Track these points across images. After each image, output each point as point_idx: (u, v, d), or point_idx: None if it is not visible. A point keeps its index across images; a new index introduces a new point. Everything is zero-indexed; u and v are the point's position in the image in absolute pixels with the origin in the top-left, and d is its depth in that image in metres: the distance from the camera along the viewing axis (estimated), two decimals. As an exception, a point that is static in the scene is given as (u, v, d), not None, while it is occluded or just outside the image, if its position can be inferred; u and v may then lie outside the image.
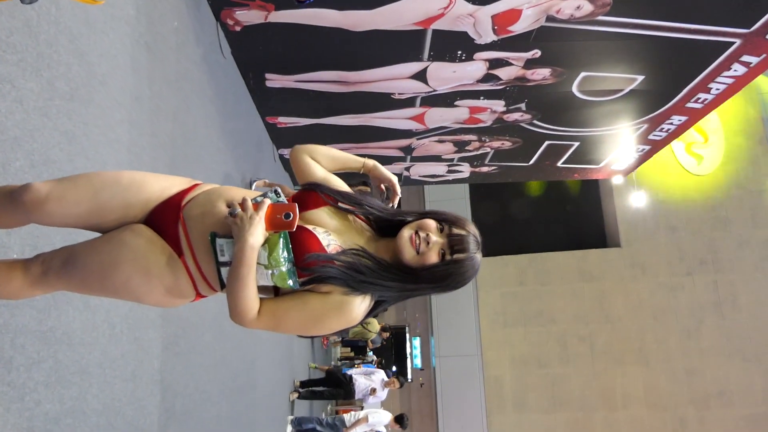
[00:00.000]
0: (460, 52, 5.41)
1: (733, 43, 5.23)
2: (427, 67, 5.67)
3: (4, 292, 1.44)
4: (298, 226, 1.33)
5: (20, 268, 1.44)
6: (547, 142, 7.66)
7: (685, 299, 13.49)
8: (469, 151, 7.92)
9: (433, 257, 1.37)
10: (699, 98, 6.34)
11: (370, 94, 6.13)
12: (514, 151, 7.93)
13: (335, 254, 1.35)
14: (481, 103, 6.46)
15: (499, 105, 6.52)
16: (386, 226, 1.47)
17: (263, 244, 1.30)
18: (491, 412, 13.76)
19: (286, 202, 1.37)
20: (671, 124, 7.10)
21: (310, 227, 1.37)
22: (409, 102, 6.40)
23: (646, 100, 6.51)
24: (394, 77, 5.83)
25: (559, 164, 8.50)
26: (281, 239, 1.30)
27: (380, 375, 8.21)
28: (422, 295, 1.48)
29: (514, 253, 14.48)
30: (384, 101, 6.31)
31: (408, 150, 7.79)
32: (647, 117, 6.92)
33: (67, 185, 1.41)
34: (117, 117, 2.84)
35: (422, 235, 1.37)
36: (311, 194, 1.45)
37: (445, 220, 1.41)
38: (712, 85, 6.02)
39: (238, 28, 4.94)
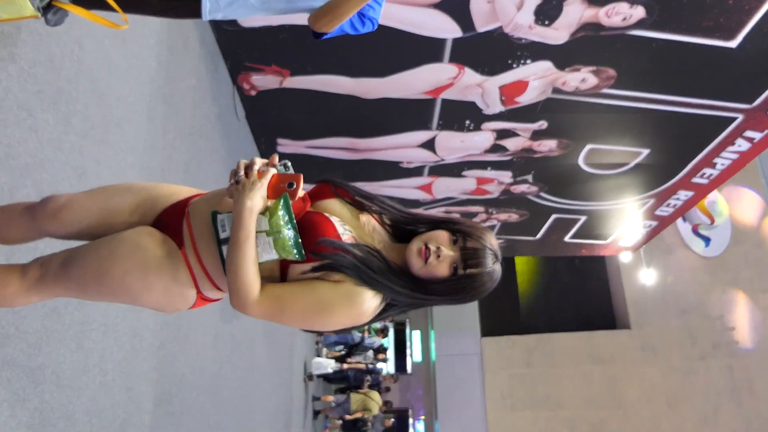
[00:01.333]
0: (468, 122, 5.54)
1: (736, 118, 5.34)
2: (435, 137, 5.78)
3: (-3, 297, 1.38)
4: (314, 211, 1.28)
5: (17, 271, 1.39)
6: (554, 216, 7.66)
7: (700, 384, 12.99)
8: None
9: (444, 270, 1.30)
10: (704, 173, 6.39)
11: (380, 163, 6.22)
12: (521, 224, 7.92)
13: (349, 244, 1.28)
14: (489, 174, 6.53)
15: (506, 176, 6.59)
16: (400, 232, 1.41)
17: (264, 212, 1.24)
18: (499, 504, 12.91)
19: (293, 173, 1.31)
20: (678, 199, 7.12)
21: (326, 214, 1.33)
22: (417, 171, 6.48)
23: (652, 175, 6.56)
24: (403, 146, 5.94)
25: (566, 239, 8.45)
26: (281, 202, 1.23)
27: None
28: (436, 305, 1.40)
29: (520, 333, 14.15)
30: (393, 170, 6.39)
31: (415, 220, 7.80)
32: (653, 192, 6.95)
33: (82, 194, 1.48)
34: (129, 160, 2.86)
35: (432, 248, 1.30)
36: (326, 187, 1.42)
37: (459, 231, 1.33)
38: (717, 160, 6.08)
39: (253, 93, 5.09)
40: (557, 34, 4.40)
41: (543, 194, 7.03)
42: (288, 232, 1.23)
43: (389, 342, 14.85)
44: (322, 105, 5.22)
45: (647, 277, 11.64)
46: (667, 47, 4.46)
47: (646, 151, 6.06)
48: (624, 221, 7.85)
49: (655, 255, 11.92)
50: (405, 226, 1.41)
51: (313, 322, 1.28)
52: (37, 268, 1.39)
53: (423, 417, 15.65)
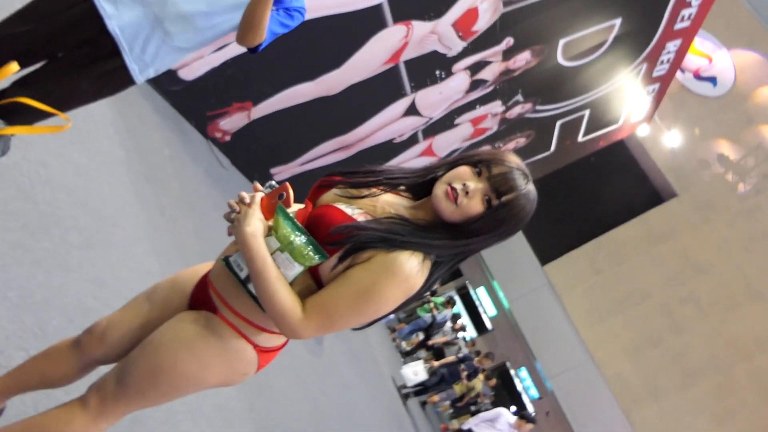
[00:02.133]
0: (438, 72, 5.41)
1: (692, -53, 5.11)
2: (414, 100, 5.66)
3: (67, 439, 1.34)
4: (321, 206, 1.24)
5: (77, 405, 1.35)
6: (558, 123, 7.49)
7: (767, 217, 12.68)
8: (489, 161, 7.79)
9: (477, 206, 1.20)
10: (683, 15, 6.15)
11: (374, 148, 6.13)
12: (532, 144, 7.77)
13: (364, 221, 1.20)
14: (479, 111, 6.40)
15: (496, 106, 6.44)
16: (419, 190, 1.32)
17: (269, 234, 1.19)
18: (629, 412, 12.83)
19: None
20: (669, 53, 6.87)
21: (330, 204, 1.26)
22: (412, 140, 6.37)
23: (634, 41, 6.34)
24: (387, 122, 5.84)
25: (579, 139, 8.27)
26: (279, 213, 1.18)
27: (504, 418, 7.65)
28: (482, 249, 1.30)
29: (577, 246, 14.00)
30: (389, 149, 6.29)
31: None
32: (642, 56, 6.73)
33: (116, 312, 1.46)
34: (140, 251, 2.82)
35: (458, 186, 1.20)
36: (323, 182, 1.36)
37: (480, 162, 1.23)
38: (689, -4, 5.85)
39: (227, 138, 5.04)
40: (482, -53, 4.24)
41: (539, 107, 6.87)
42: (299, 239, 1.18)
43: (460, 309, 14.81)
44: (296, 119, 5.15)
45: (672, 139, 11.36)
46: None
47: (618, 21, 5.85)
48: (626, 97, 7.63)
49: (671, 116, 11.62)
50: (422, 180, 1.32)
51: (365, 312, 1.19)
52: (95, 394, 1.34)
53: (522, 362, 15.60)
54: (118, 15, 1.66)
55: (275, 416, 3.53)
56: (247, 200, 1.22)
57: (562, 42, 5.80)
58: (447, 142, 6.76)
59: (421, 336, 11.15)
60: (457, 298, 15.48)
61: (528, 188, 1.23)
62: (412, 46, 4.89)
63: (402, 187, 1.34)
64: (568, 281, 13.99)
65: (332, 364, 5.51)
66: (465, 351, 13.19)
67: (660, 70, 7.22)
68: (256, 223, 1.18)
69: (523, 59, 5.76)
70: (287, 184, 1.23)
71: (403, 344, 11.32)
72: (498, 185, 1.20)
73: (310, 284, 1.24)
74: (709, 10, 6.22)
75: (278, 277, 1.17)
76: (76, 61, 1.71)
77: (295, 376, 4.24)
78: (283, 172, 5.89)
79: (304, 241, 1.17)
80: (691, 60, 12.63)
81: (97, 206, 2.63)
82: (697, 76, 13.27)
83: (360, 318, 1.20)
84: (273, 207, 1.21)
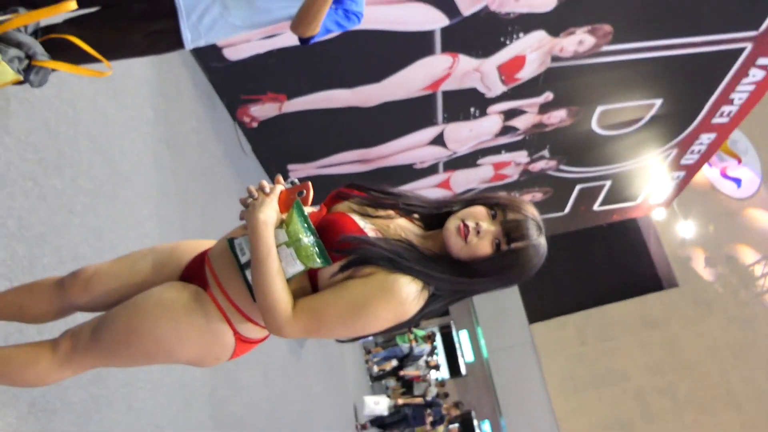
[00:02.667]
0: (473, 109, 5.44)
1: (744, 48, 5.15)
2: (443, 131, 5.69)
3: (30, 376, 1.33)
4: (337, 213, 1.24)
5: (48, 347, 1.34)
6: (578, 187, 7.48)
7: (763, 329, 12.55)
8: (501, 209, 7.78)
9: (486, 248, 1.19)
10: (723, 112, 6.17)
11: (393, 168, 6.14)
12: (547, 201, 7.75)
13: (374, 237, 1.20)
14: (504, 157, 6.41)
15: (522, 156, 6.46)
16: (432, 220, 1.32)
17: (280, 225, 1.19)
18: (583, 490, 12.58)
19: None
20: (701, 144, 6.89)
21: (344, 212, 1.26)
22: (432, 170, 6.39)
23: (670, 124, 6.36)
24: (412, 146, 5.86)
25: (595, 208, 8.25)
26: (295, 209, 1.18)
27: None
28: (483, 292, 1.29)
29: (568, 313, 13.89)
30: (407, 173, 6.30)
31: (439, 220, 7.69)
32: (675, 141, 6.74)
33: (108, 262, 1.45)
34: (145, 212, 2.82)
35: (471, 224, 1.20)
36: (341, 192, 1.36)
37: (497, 205, 1.23)
38: (733, 95, 5.87)
39: (255, 124, 5.07)
40: (544, 0, 4.29)
41: (563, 167, 6.87)
42: (308, 239, 1.17)
43: (438, 347, 14.66)
44: (324, 122, 5.18)
45: (686, 229, 11.32)
46: (658, -11, 4.33)
47: (659, 102, 5.88)
48: (650, 177, 7.63)
49: (689, 206, 11.61)
50: (436, 212, 1.31)
51: (354, 326, 1.17)
52: (68, 340, 1.33)
53: (487, 415, 15.39)
54: None
55: (234, 407, 3.48)
56: (267, 189, 1.22)
57: (600, 109, 5.83)
58: (465, 180, 6.76)
59: (394, 363, 11.04)
60: (438, 336, 15.35)
61: (539, 241, 1.23)
62: (454, 78, 4.93)
63: (416, 215, 1.34)
64: (551, 345, 13.86)
65: (303, 369, 5.46)
66: (434, 391, 13.04)
67: (689, 159, 7.24)
68: (270, 212, 1.18)
69: (558, 116, 5.78)
70: (309, 183, 1.24)
71: (375, 368, 11.21)
72: (510, 231, 1.20)
73: (306, 286, 1.23)
74: (750, 111, 6.25)
75: (278, 270, 1.16)
76: (132, 14, 1.71)
77: (263, 373, 4.20)
78: (299, 170, 5.90)
79: (312, 241, 1.17)
80: (721, 156, 12.65)
81: (114, 158, 2.64)
82: (724, 174, 13.27)
83: (347, 330, 1.19)
84: (290, 202, 1.21)
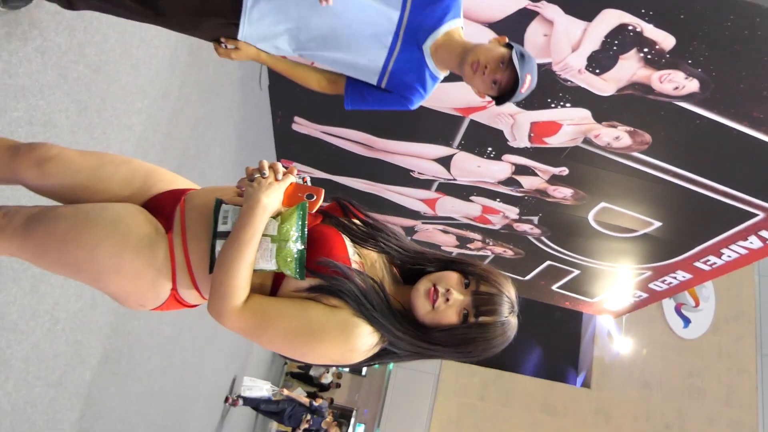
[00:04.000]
0: (490, 149, 5.37)
1: (756, 215, 5.21)
2: (453, 155, 5.61)
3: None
4: (327, 225, 1.17)
5: None
6: (548, 262, 7.53)
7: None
8: (470, 249, 7.77)
9: (452, 317, 1.13)
10: (708, 260, 6.27)
11: (391, 166, 6.04)
12: (514, 262, 7.78)
13: (354, 270, 1.12)
14: (496, 205, 6.38)
15: (512, 212, 6.43)
16: (406, 270, 1.25)
17: (275, 217, 1.12)
18: None
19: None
20: (674, 278, 6.99)
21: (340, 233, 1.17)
22: (425, 184, 6.31)
23: (657, 248, 6.43)
24: (419, 155, 5.77)
25: (554, 287, 8.32)
26: (297, 212, 1.10)
27: None
28: (439, 358, 1.23)
29: (482, 366, 14.03)
30: (402, 176, 6.21)
31: (410, 232, 7.64)
32: (653, 265, 6.83)
33: (75, 151, 1.33)
34: (137, 106, 2.67)
35: (441, 289, 1.13)
36: (336, 207, 1.27)
37: (472, 274, 1.17)
38: (725, 250, 5.96)
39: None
40: (605, 85, 4.24)
41: (544, 239, 6.89)
42: (295, 246, 1.09)
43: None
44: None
45: (621, 345, 11.55)
46: (710, 127, 4.32)
47: (658, 224, 5.93)
48: (615, 285, 7.72)
49: (634, 320, 11.82)
50: (412, 264, 1.24)
51: (295, 348, 1.10)
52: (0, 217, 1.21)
53: (363, 422, 15.54)
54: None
55: (137, 322, 3.36)
56: (280, 175, 1.14)
57: (602, 204, 5.84)
58: (451, 208, 6.71)
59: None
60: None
61: (509, 319, 1.16)
62: (488, 112, 4.86)
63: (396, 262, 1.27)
64: (453, 386, 14.01)
65: (204, 374, 5.31)
66: (329, 378, 13.00)
67: (657, 286, 7.34)
68: (274, 200, 1.10)
69: (563, 193, 5.77)
70: (322, 190, 1.16)
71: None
72: (480, 304, 1.14)
73: (266, 285, 1.15)
74: (731, 270, 6.36)
75: (251, 260, 1.08)
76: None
77: (168, 355, 4.06)
78: (303, 126, 5.75)
79: (297, 250, 1.10)
80: (684, 294, 12.92)
81: (131, 41, 2.48)
82: (678, 310, 13.57)
83: (286, 349, 1.12)
84: (295, 198, 1.14)
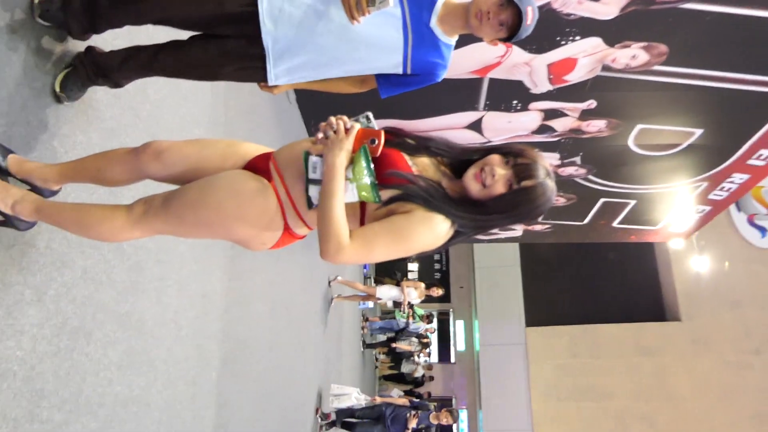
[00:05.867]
0: (515, 102, 5.55)
1: (795, 94, 5.18)
2: (482, 117, 5.82)
3: (105, 230, 1.56)
4: (391, 149, 1.44)
5: (124, 208, 1.57)
6: (602, 200, 7.58)
7: (755, 380, 12.60)
8: (523, 207, 7.90)
9: (500, 188, 1.40)
10: (761, 154, 6.21)
11: (426, 145, 6.29)
12: (569, 208, 7.86)
13: (415, 175, 1.42)
14: (536, 155, 6.52)
15: (553, 158, 6.56)
16: (457, 167, 1.52)
17: (348, 164, 1.40)
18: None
19: (376, 127, 1.45)
20: (732, 182, 6.93)
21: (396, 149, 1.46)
22: (463, 153, 6.53)
23: (706, 156, 6.41)
24: (449, 127, 6.00)
25: (614, 224, 8.34)
26: (362, 155, 1.38)
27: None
28: (499, 226, 1.49)
29: (566, 323, 14.00)
30: (439, 152, 6.45)
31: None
32: (707, 174, 6.79)
33: (181, 141, 1.67)
34: (196, 132, 3.04)
35: (487, 169, 1.41)
36: (390, 131, 1.55)
37: (510, 153, 1.43)
38: (775, 139, 5.90)
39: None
40: (607, 8, 4.38)
41: (591, 177, 6.97)
42: (367, 179, 1.38)
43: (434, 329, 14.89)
44: (369, 91, 5.32)
45: (700, 264, 11.33)
46: (721, 21, 4.38)
47: (699, 131, 5.93)
48: (675, 206, 7.69)
49: (709, 243, 11.59)
50: (460, 159, 1.52)
51: (398, 250, 1.40)
52: (141, 205, 1.56)
53: (465, 407, 15.69)
54: (274, 33, 1.81)
55: (241, 328, 3.74)
56: (348, 125, 1.40)
57: (639, 126, 5.90)
58: (494, 170, 6.88)
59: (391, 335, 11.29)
60: (435, 320, 15.63)
61: (546, 181, 1.41)
62: (503, 67, 5.04)
63: (444, 160, 1.55)
64: (543, 351, 14.02)
65: (305, 316, 5.72)
66: (421, 372, 13.28)
67: (717, 195, 7.28)
68: (344, 156, 1.37)
69: (597, 126, 5.87)
70: (382, 132, 1.43)
71: (370, 336, 11.49)
72: (520, 172, 1.39)
73: (356, 208, 1.45)
74: (787, 158, 6.27)
75: (342, 205, 1.37)
76: (227, 48, 1.87)
77: (270, 308, 4.46)
78: (338, 129, 6.08)
79: (370, 182, 1.38)
80: (751, 202, 12.58)
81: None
82: (750, 221, 13.20)
83: (392, 254, 1.41)
84: (361, 143, 1.41)
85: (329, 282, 7.94)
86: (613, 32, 4.59)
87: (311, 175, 1.43)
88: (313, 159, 1.44)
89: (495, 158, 1.42)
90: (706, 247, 11.39)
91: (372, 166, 1.38)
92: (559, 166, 6.72)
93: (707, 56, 4.86)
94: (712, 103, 5.44)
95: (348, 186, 1.39)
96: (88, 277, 2.01)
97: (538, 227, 8.68)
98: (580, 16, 4.44)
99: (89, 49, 1.96)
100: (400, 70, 1.98)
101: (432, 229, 1.39)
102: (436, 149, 1.52)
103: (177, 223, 1.54)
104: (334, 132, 1.40)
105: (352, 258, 1.37)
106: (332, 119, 1.42)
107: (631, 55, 4.85)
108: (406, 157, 1.47)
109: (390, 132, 1.57)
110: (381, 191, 1.39)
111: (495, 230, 1.76)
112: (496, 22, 1.82)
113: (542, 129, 5.95)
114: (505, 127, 5.92)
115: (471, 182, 1.43)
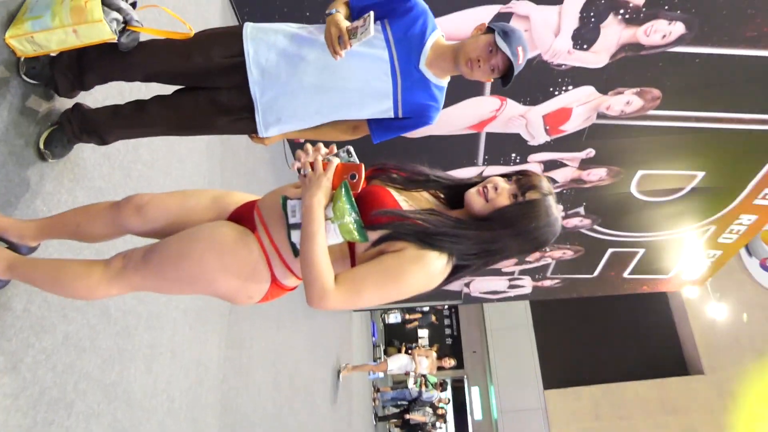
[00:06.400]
0: (514, 155, 5.54)
1: (795, 131, 5.16)
2: (482, 172, 5.79)
3: (81, 286, 1.46)
4: (372, 185, 1.34)
5: (101, 264, 1.48)
6: (610, 250, 7.44)
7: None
8: (530, 262, 7.77)
9: (504, 200, 1.33)
10: (766, 194, 6.13)
11: (427, 203, 6.25)
12: (577, 261, 7.72)
13: (403, 211, 1.32)
14: (539, 208, 6.45)
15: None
16: (455, 198, 1.44)
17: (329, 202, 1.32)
18: None
19: (357, 162, 1.37)
20: (741, 224, 6.82)
21: (383, 186, 1.38)
22: (465, 210, 6.47)
23: (711, 199, 6.34)
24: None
25: (625, 275, 8.16)
26: (343, 191, 1.29)
27: None
28: (505, 250, 1.35)
29: (585, 384, 13.47)
30: (441, 210, 6.39)
31: (466, 263, 7.71)
32: (714, 217, 6.69)
33: (163, 193, 1.62)
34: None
35: (489, 185, 1.35)
36: (378, 170, 1.48)
37: (511, 174, 1.39)
38: (778, 178, 5.84)
39: (302, 140, 5.27)
40: (597, 57, 4.43)
41: (597, 227, 6.87)
42: (351, 218, 1.29)
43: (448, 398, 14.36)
44: (366, 148, 5.34)
45: (717, 312, 10.97)
46: (711, 62, 4.42)
47: (701, 174, 5.89)
48: (685, 252, 7.54)
49: (724, 290, 11.30)
50: (456, 187, 1.45)
51: (389, 293, 1.28)
52: (120, 260, 1.47)
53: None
54: (261, 82, 1.80)
55: (241, 400, 3.54)
56: (321, 159, 1.31)
57: (640, 173, 5.86)
58: (498, 226, 6.80)
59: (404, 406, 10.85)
60: (449, 388, 15.09)
61: (551, 198, 1.34)
62: (499, 121, 5.06)
63: (441, 194, 1.48)
64: (564, 415, 13.42)
65: (311, 387, 5.47)
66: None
67: (727, 238, 7.15)
68: (323, 195, 1.29)
69: (597, 174, 5.84)
70: (362, 165, 1.34)
71: (382, 408, 11.04)
72: (524, 185, 1.34)
73: (345, 250, 1.36)
74: (794, 197, 6.19)
75: (325, 247, 1.28)
76: (219, 101, 1.85)
77: (273, 377, 4.25)
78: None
79: (354, 220, 1.29)
80: (762, 247, 12.39)
81: (172, 139, 2.82)
82: (763, 266, 12.95)
83: (382, 297, 1.29)
84: (340, 179, 1.33)
85: (338, 374, 7.66)
86: (605, 80, 4.63)
87: (291, 220, 1.36)
88: (291, 203, 1.36)
89: (496, 177, 1.37)
90: (721, 295, 11.10)
91: (354, 203, 1.30)
92: (563, 218, 6.64)
93: (701, 98, 4.88)
94: (711, 145, 5.42)
95: (330, 227, 1.30)
96: (70, 343, 1.88)
97: (547, 283, 8.49)
98: (571, 65, 4.49)
99: (77, 105, 1.93)
100: (391, 114, 1.94)
101: (425, 268, 1.28)
102: (428, 180, 1.44)
103: (158, 278, 1.44)
104: (312, 170, 1.32)
105: (338, 303, 1.26)
106: (308, 146, 1.35)
107: (626, 102, 4.88)
108: (394, 193, 1.39)
109: (376, 167, 1.49)
110: (369, 232, 1.30)
111: (501, 262, 1.60)
112: (487, 68, 1.80)
113: (543, 180, 5.90)
114: (506, 180, 5.88)
115: (473, 198, 1.35)
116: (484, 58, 1.76)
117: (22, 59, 1.80)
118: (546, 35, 4.25)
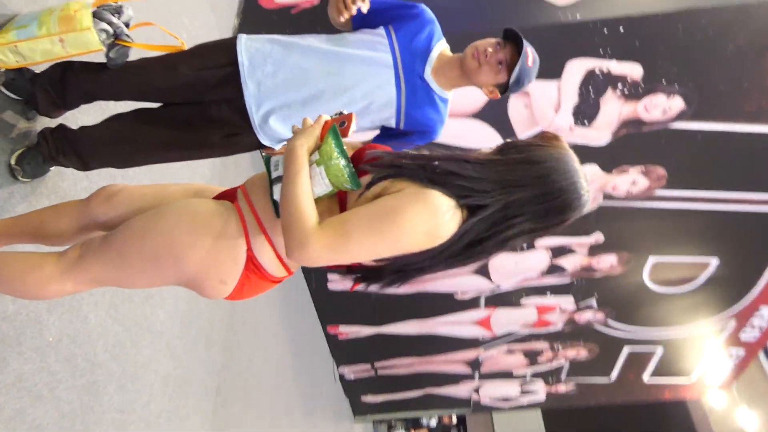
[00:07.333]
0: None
1: (811, 211, 5.05)
2: (488, 261, 5.61)
3: (31, 281, 1.24)
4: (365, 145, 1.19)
5: (55, 255, 1.27)
6: (626, 349, 7.03)
7: None
8: (542, 363, 7.31)
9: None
10: (786, 281, 5.89)
11: (433, 295, 6.00)
12: (592, 362, 7.26)
13: (401, 152, 1.16)
14: (549, 300, 6.18)
15: (568, 302, 6.21)
16: None
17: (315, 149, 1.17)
18: None
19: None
20: (762, 317, 6.48)
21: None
22: (473, 303, 6.19)
23: (726, 289, 6.07)
24: (455, 273, 5.76)
25: (645, 379, 7.64)
26: (330, 133, 1.13)
27: None
28: (523, 201, 1.07)
29: None
30: (447, 303, 6.13)
31: (476, 364, 7.27)
32: (731, 312, 6.37)
33: (135, 185, 1.46)
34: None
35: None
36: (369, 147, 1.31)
37: None
38: (797, 263, 5.64)
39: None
40: (599, 134, 4.44)
41: (610, 321, 6.53)
42: (340, 161, 1.12)
43: None
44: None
45: (747, 420, 10.12)
46: (713, 138, 4.42)
47: (714, 260, 5.68)
48: (707, 351, 7.12)
49: (752, 400, 10.56)
50: None
51: (385, 237, 1.04)
52: (77, 248, 1.27)
53: None
54: (257, 95, 1.71)
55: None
56: (309, 119, 1.20)
57: (651, 259, 5.67)
58: (507, 321, 6.49)
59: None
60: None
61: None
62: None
63: None
64: None
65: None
66: None
67: (749, 334, 6.77)
68: (308, 138, 1.15)
69: (607, 261, 5.64)
70: (353, 114, 1.21)
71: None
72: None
73: (334, 209, 1.16)
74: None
75: (307, 189, 1.10)
76: (210, 116, 1.75)
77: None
78: (338, 282, 5.84)
79: (343, 164, 1.12)
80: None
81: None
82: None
83: (378, 243, 1.05)
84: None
85: None
86: (608, 158, 4.61)
87: (273, 174, 1.19)
88: (274, 158, 1.21)
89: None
90: (749, 398, 10.34)
91: (344, 147, 1.13)
92: (575, 312, 6.33)
93: (707, 176, 4.83)
94: (721, 227, 5.29)
95: (315, 170, 1.12)
96: (22, 387, 1.60)
97: (562, 388, 7.94)
98: (573, 143, 4.44)
99: (60, 125, 1.80)
100: (393, 123, 1.82)
101: (428, 206, 1.03)
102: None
103: (118, 262, 1.23)
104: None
105: (322, 251, 1.03)
106: (306, 119, 1.21)
107: (631, 181, 4.82)
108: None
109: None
110: (361, 178, 1.13)
111: (518, 237, 1.26)
112: (495, 61, 1.72)
113: (552, 269, 5.71)
114: (514, 269, 5.69)
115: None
116: (492, 50, 1.71)
117: (2, 70, 1.71)
118: (546, 110, 4.28)
